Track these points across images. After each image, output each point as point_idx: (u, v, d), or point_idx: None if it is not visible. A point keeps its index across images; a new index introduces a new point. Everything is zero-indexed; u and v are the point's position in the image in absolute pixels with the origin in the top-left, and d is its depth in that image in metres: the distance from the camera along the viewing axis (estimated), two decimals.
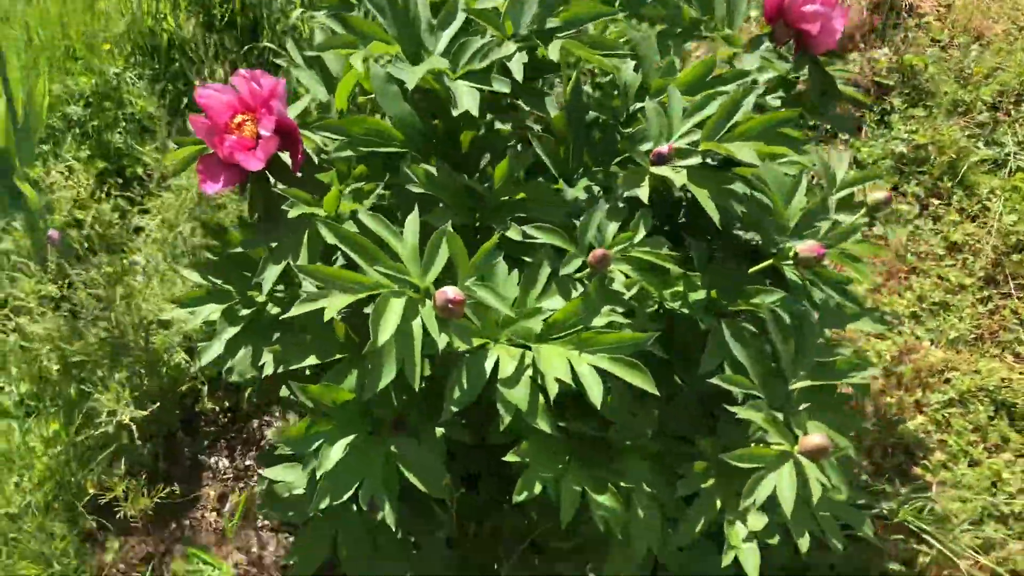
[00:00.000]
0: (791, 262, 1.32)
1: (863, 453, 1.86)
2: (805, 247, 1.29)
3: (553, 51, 1.22)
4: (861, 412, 1.92)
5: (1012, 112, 2.54)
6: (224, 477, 1.92)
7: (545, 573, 1.47)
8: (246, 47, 2.55)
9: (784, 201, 1.32)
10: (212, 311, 1.41)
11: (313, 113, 1.50)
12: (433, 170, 1.25)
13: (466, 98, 1.22)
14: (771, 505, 1.21)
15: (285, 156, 1.35)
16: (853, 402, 1.86)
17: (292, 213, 1.20)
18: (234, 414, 2.03)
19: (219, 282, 1.43)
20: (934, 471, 1.81)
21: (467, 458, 1.47)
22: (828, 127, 2.57)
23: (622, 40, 1.38)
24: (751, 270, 1.38)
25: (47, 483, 1.80)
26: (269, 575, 1.74)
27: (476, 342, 1.14)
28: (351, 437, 1.30)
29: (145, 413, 1.74)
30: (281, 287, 1.41)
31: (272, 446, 1.68)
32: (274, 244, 1.29)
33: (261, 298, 1.41)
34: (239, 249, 1.39)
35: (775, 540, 1.24)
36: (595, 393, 1.08)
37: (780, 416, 1.22)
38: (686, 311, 1.28)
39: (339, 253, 1.32)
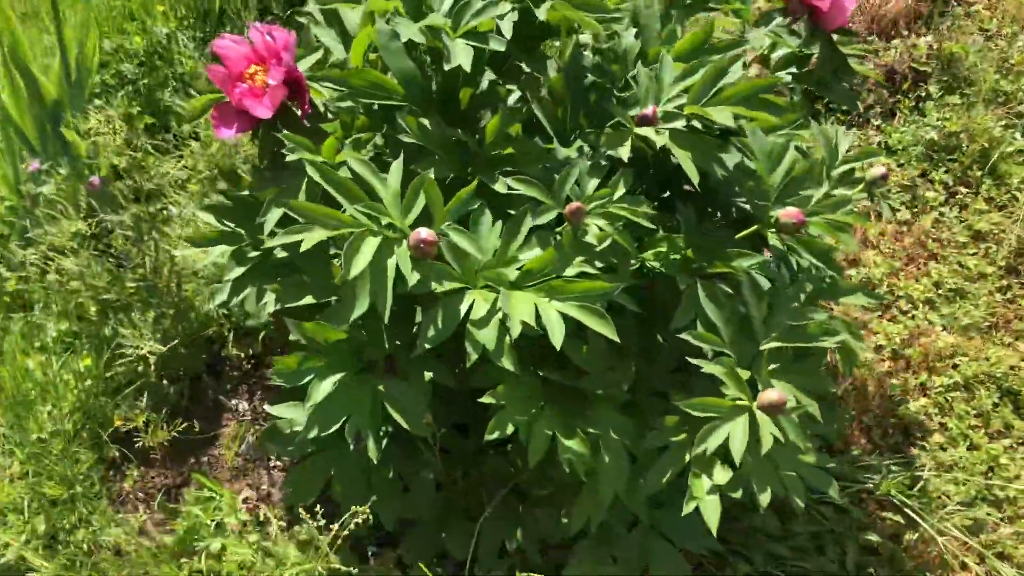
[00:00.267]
0: (775, 229, 1.35)
1: (862, 432, 1.87)
2: (786, 213, 1.32)
3: (542, 11, 1.26)
4: (861, 387, 1.93)
5: None
6: (243, 419, 2.02)
7: (525, 518, 1.53)
8: (289, 11, 2.65)
9: (769, 168, 1.35)
10: (223, 251, 1.49)
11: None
12: (427, 123, 1.31)
13: (461, 55, 1.28)
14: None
15: (297, 108, 1.43)
16: (841, 375, 1.88)
17: (290, 157, 1.28)
18: (257, 360, 2.12)
19: (232, 225, 1.52)
20: (930, 451, 1.82)
21: (458, 406, 1.53)
22: (862, 112, 2.56)
23: (622, 5, 1.42)
24: (738, 235, 1.42)
25: (76, 413, 1.92)
26: (276, 507, 1.83)
27: (454, 285, 1.20)
28: (341, 374, 1.37)
29: (164, 349, 1.83)
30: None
31: (281, 388, 1.77)
32: (278, 189, 1.37)
33: (270, 242, 1.49)
34: (248, 193, 1.47)
35: (738, 494, 1.28)
36: (556, 336, 1.14)
37: (746, 373, 1.25)
38: (665, 270, 1.32)
39: None
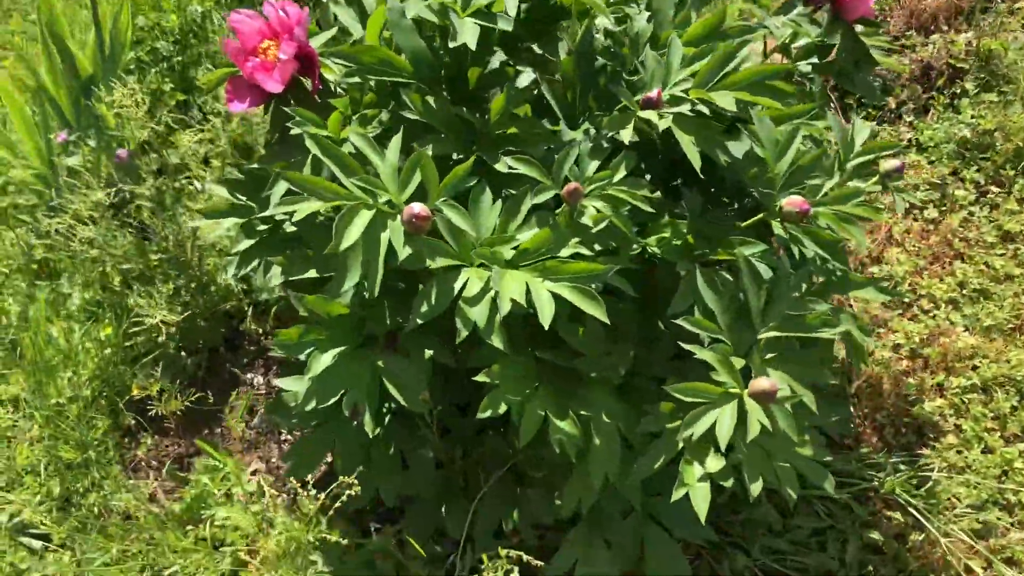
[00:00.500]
0: (779, 218, 1.34)
1: (875, 430, 1.85)
2: (790, 202, 1.31)
3: None
4: (876, 385, 1.90)
5: None
6: (257, 392, 2.05)
7: (521, 499, 1.54)
8: None
9: (776, 156, 1.33)
10: (233, 224, 1.52)
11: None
12: (432, 100, 1.32)
13: (467, 32, 1.28)
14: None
15: (309, 84, 1.45)
16: (853, 371, 1.86)
17: (295, 131, 1.29)
18: (272, 335, 2.15)
19: (243, 199, 1.54)
20: (943, 453, 1.79)
21: (457, 385, 1.54)
22: (894, 108, 2.52)
23: None
24: (743, 224, 1.41)
25: (95, 380, 1.96)
26: (283, 480, 1.85)
27: (448, 262, 1.21)
28: (341, 348, 1.39)
29: (182, 320, 1.87)
30: None
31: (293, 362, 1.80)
32: (286, 163, 1.39)
33: (269, 211, 1.50)
34: (258, 167, 1.49)
35: (729, 483, 1.27)
36: (545, 315, 1.14)
37: (740, 361, 1.24)
38: (664, 256, 1.31)
39: None
